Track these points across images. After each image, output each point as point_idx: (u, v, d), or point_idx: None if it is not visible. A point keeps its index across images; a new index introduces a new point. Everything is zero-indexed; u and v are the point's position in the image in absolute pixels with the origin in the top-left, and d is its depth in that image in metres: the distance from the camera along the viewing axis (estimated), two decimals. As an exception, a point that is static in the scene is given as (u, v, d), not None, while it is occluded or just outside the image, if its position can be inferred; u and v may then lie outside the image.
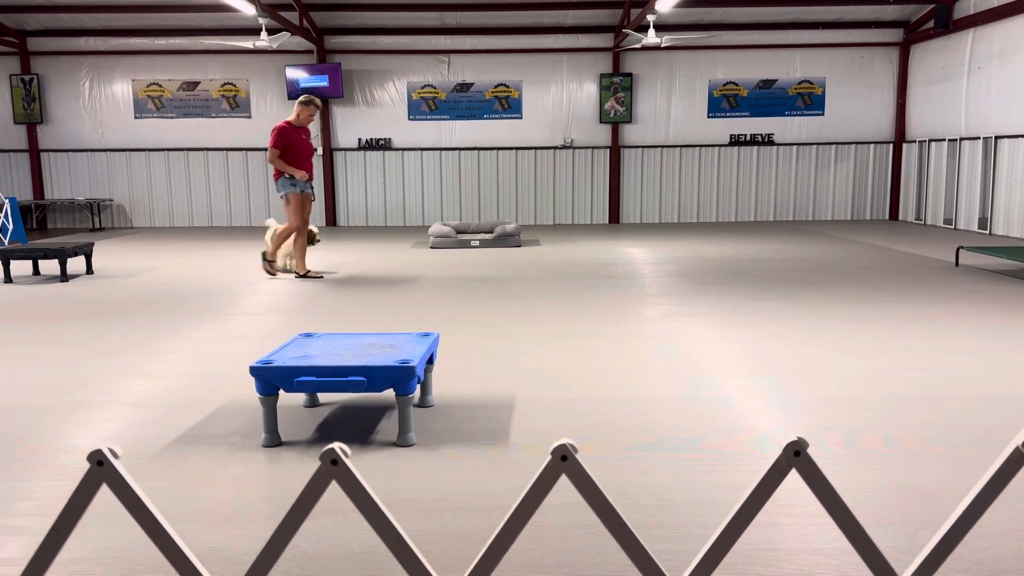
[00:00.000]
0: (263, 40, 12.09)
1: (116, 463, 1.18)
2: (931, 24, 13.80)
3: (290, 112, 15.16)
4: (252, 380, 4.41)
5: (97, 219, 15.27)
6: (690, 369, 4.71)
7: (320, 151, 15.21)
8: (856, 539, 1.12)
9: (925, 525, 2.71)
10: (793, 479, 3.04)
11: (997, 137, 12.29)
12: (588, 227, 14.74)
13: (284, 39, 12.22)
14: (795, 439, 1.08)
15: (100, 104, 15.27)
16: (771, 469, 1.08)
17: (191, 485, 3.10)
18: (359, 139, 15.30)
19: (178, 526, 2.76)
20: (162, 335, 5.78)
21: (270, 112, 15.28)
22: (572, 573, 2.41)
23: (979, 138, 12.73)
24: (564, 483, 3.01)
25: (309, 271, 8.63)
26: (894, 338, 5.44)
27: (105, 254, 11.04)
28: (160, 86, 15.21)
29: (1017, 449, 1.11)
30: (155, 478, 3.17)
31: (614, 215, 15.40)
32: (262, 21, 12.20)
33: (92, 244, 8.92)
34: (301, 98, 8.40)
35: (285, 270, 8.90)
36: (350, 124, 15.30)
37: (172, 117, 15.30)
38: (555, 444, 1.15)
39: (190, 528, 2.74)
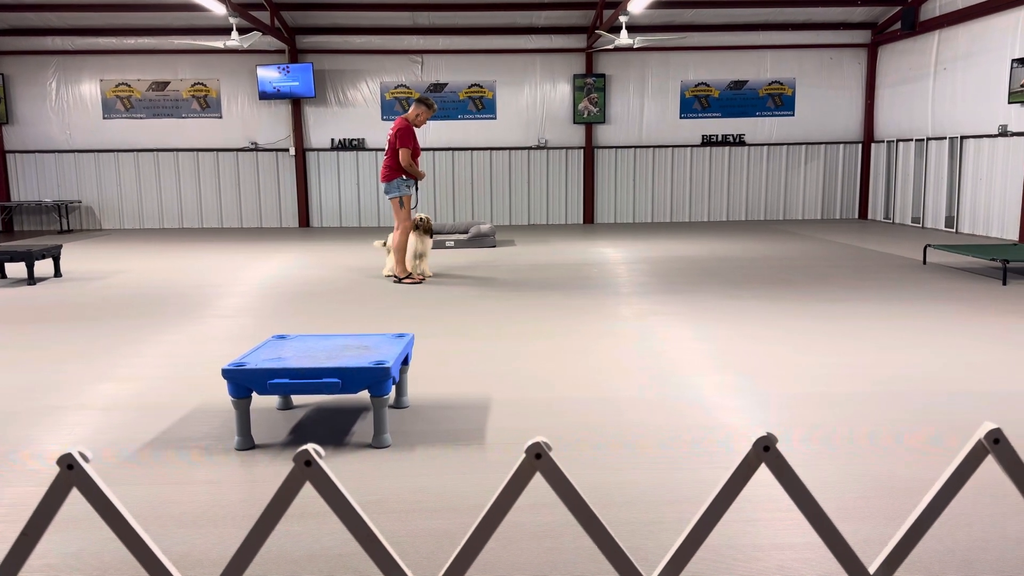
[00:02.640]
0: (234, 40, 11.98)
1: (86, 467, 1.17)
2: (898, 26, 14.02)
3: (260, 113, 15.11)
4: (224, 383, 4.37)
5: (65, 221, 15.04)
6: (664, 368, 4.74)
7: (292, 152, 15.11)
8: (824, 532, 1.14)
9: (893, 517, 2.76)
10: (767, 475, 3.07)
11: (963, 137, 12.51)
12: (563, 227, 14.78)
13: (255, 39, 12.12)
14: (764, 434, 1.09)
15: (68, 104, 15.04)
16: (741, 464, 1.10)
17: (163, 489, 3.07)
18: (332, 139, 15.21)
19: (150, 530, 2.73)
20: (133, 338, 5.71)
21: (241, 112, 15.15)
22: (548, 572, 2.42)
23: (945, 138, 12.96)
24: (540, 483, 3.03)
25: (410, 274, 8.26)
26: (863, 335, 5.52)
27: (74, 257, 10.87)
28: (129, 86, 15.01)
29: (980, 442, 1.13)
30: (126, 482, 3.13)
31: (588, 215, 15.46)
32: (233, 21, 12.09)
33: (60, 246, 8.78)
34: (422, 99, 8.06)
35: (415, 274, 8.39)
36: (323, 124, 15.21)
37: (141, 117, 15.11)
38: (529, 442, 1.16)
39: (162, 532, 2.71)
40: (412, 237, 8.27)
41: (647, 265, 9.31)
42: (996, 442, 1.13)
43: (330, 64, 15.06)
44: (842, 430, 3.62)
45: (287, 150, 15.21)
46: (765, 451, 1.10)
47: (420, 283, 8.09)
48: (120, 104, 15.05)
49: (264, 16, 13.96)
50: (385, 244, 8.69)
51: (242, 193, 15.32)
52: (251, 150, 15.24)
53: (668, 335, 5.60)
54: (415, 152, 8.01)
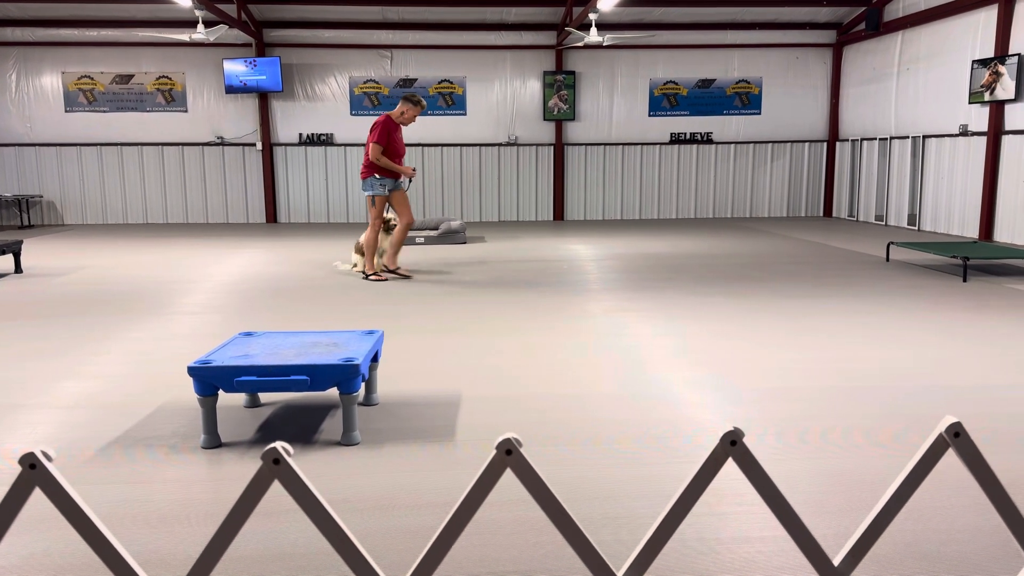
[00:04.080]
0: (199, 33, 11.81)
1: (49, 466, 1.15)
2: (863, 26, 14.24)
3: (226, 107, 14.92)
4: (190, 380, 4.31)
5: (26, 216, 14.73)
6: (633, 364, 4.78)
7: (259, 146, 14.95)
8: (790, 525, 1.16)
9: (859, 511, 2.80)
10: (735, 469, 3.11)
11: (925, 136, 12.75)
12: (533, 224, 14.80)
13: (221, 32, 11.96)
14: (731, 429, 1.11)
15: (28, 97, 14.72)
16: (708, 459, 1.11)
17: (128, 488, 3.02)
18: (300, 134, 15.08)
19: (115, 530, 2.69)
20: (97, 335, 5.62)
21: (207, 106, 14.95)
22: (519, 569, 2.43)
23: (908, 137, 13.19)
24: (512, 480, 3.03)
25: (399, 268, 8.25)
26: (829, 331, 5.60)
27: (35, 252, 10.65)
28: (92, 79, 14.74)
29: (941, 435, 1.16)
30: (91, 481, 3.08)
31: (558, 212, 15.50)
32: (198, 13, 11.92)
33: (21, 242, 8.60)
34: (409, 96, 7.86)
35: (386, 270, 8.35)
36: (290, 119, 15.07)
37: (105, 111, 14.84)
38: (500, 439, 1.16)
39: (128, 532, 2.67)
40: (397, 234, 8.16)
41: (616, 262, 9.36)
42: (956, 436, 1.16)
43: (298, 58, 14.91)
44: (809, 425, 3.68)
45: (254, 145, 15.05)
46: (732, 445, 1.11)
47: (385, 281, 8.00)
48: (83, 97, 14.77)
49: (231, 9, 13.78)
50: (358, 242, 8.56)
51: (208, 188, 15.13)
52: (217, 144, 15.04)
53: (637, 331, 5.64)
54: (398, 150, 7.87)
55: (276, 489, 2.95)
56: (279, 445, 1.11)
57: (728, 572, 2.39)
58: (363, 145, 15.12)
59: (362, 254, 8.38)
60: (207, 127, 15.03)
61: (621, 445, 3.44)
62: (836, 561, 1.15)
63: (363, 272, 8.18)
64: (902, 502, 1.17)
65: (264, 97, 14.85)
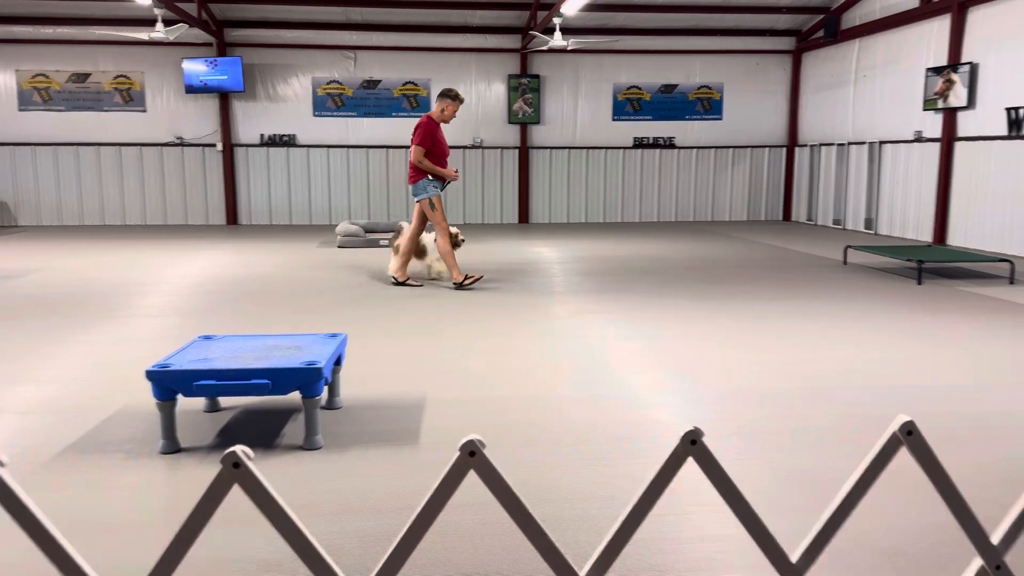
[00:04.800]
0: (158, 32, 11.62)
1: (2, 472, 1.12)
2: (821, 33, 14.50)
3: (186, 107, 14.69)
4: (149, 384, 4.24)
5: (-24, 217, 14.35)
6: (597, 366, 4.80)
7: (220, 147, 14.75)
8: (749, 523, 1.18)
9: (818, 509, 2.85)
10: (697, 470, 3.14)
11: (881, 142, 13.02)
12: (498, 227, 14.81)
13: (181, 31, 11.79)
14: (691, 428, 1.12)
15: (-21, 95, 14.35)
16: (669, 458, 1.13)
17: (84, 494, 2.96)
18: (261, 135, 14.91)
19: (70, 537, 2.63)
20: (52, 339, 5.49)
21: (166, 106, 14.71)
22: (482, 572, 2.43)
23: (865, 143, 13.46)
24: (476, 483, 3.03)
25: (468, 276, 7.71)
26: (788, 333, 5.69)
27: (-15, 254, 10.38)
28: (47, 77, 14.41)
29: (895, 434, 1.18)
30: (45, 488, 3.01)
31: (523, 215, 15.53)
32: (158, 12, 11.73)
33: (-29, 243, 8.37)
34: (447, 91, 7.47)
35: (431, 277, 8.08)
36: (252, 119, 14.89)
37: (61, 110, 14.52)
38: (463, 440, 1.16)
39: (83, 539, 2.62)
40: (443, 244, 7.65)
41: (581, 265, 9.40)
42: (909, 434, 1.18)
43: (260, 58, 14.75)
44: (769, 425, 3.73)
45: (214, 145, 14.84)
46: (692, 445, 1.13)
47: (479, 279, 7.70)
48: (37, 96, 14.44)
49: (191, 8, 13.59)
50: (396, 246, 8.04)
51: (167, 189, 14.89)
52: (176, 145, 14.81)
53: (601, 334, 5.67)
54: (444, 151, 7.52)
55: (238, 495, 2.91)
56: (239, 449, 1.10)
57: (690, 571, 2.41)
58: (325, 147, 15.01)
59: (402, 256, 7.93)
60: (166, 127, 14.79)
61: (585, 446, 3.46)
62: (794, 558, 1.17)
63: (456, 283, 7.60)
64: (857, 499, 1.20)
65: (225, 97, 14.66)
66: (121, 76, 14.58)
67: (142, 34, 12.27)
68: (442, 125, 7.65)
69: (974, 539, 1.25)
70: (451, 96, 7.47)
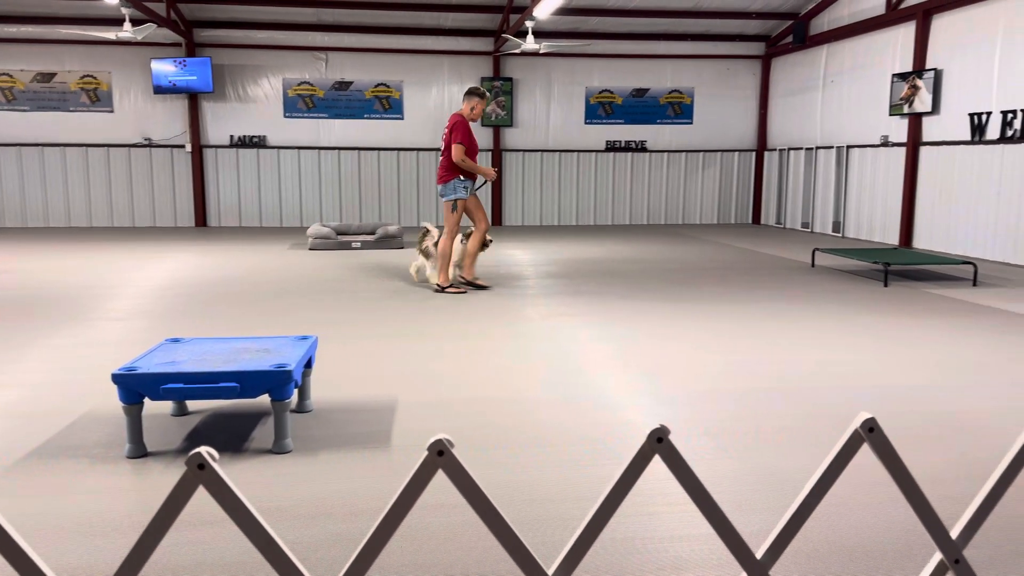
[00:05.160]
0: (126, 31, 11.46)
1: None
2: (790, 39, 14.69)
3: (154, 107, 14.51)
4: (115, 388, 4.18)
5: (-63, 219, 14.05)
6: (570, 368, 4.82)
7: (188, 148, 14.59)
8: (714, 519, 1.19)
9: (786, 508, 2.88)
10: (667, 470, 3.16)
11: (849, 147, 13.22)
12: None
13: (149, 31, 11.64)
14: (658, 426, 1.13)
15: (-60, 94, 14.06)
16: (636, 456, 1.13)
17: (48, 499, 2.91)
18: (231, 136, 14.76)
19: (34, 543, 2.58)
20: (15, 342, 5.39)
21: (134, 107, 14.52)
22: (454, 573, 2.42)
23: (833, 147, 13.66)
24: (447, 485, 3.03)
25: (477, 279, 7.74)
26: (758, 334, 5.75)
27: (-53, 256, 10.17)
28: (11, 76, 14.16)
29: (856, 431, 1.20)
30: (8, 493, 2.96)
31: (496, 217, 15.53)
32: (125, 11, 11.58)
33: (-69, 245, 8.19)
34: (474, 90, 7.40)
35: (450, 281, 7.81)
36: (221, 120, 14.75)
37: (25, 110, 14.27)
38: (431, 439, 1.16)
39: (47, 545, 2.57)
40: (456, 244, 7.68)
41: (554, 267, 9.43)
42: (871, 431, 1.20)
43: (229, 59, 14.62)
44: (739, 425, 3.77)
45: (183, 146, 14.68)
46: (659, 442, 1.13)
47: (463, 293, 7.50)
48: (1, 95, 14.18)
49: (160, 8, 13.42)
50: (424, 249, 7.90)
51: (134, 191, 14.69)
52: (144, 146, 14.62)
53: (574, 336, 5.69)
54: (472, 149, 7.39)
55: (204, 498, 2.88)
56: (203, 450, 1.09)
57: (659, 570, 2.43)
58: (296, 148, 14.90)
59: (427, 257, 7.84)
60: (134, 128, 14.60)
61: (557, 448, 3.46)
62: (759, 554, 1.19)
63: (437, 285, 7.57)
64: (821, 495, 1.22)
65: (194, 98, 14.50)
66: (88, 76, 14.36)
67: (109, 34, 12.10)
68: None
69: (934, 534, 1.27)
70: (479, 94, 7.41)
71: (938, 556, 1.34)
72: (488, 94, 7.34)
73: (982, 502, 1.33)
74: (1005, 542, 2.62)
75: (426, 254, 7.88)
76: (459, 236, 7.89)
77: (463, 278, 7.79)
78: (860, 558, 2.51)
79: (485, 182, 8.12)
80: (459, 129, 7.30)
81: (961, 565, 1.33)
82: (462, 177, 7.40)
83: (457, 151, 7.25)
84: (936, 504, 2.92)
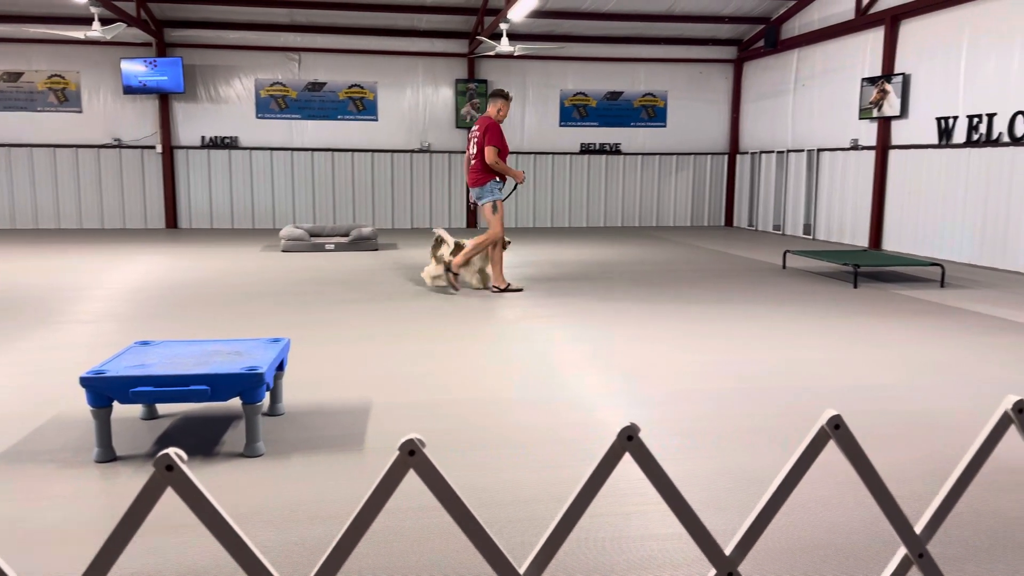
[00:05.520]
0: (95, 31, 11.31)
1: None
2: (762, 43, 14.85)
3: (124, 108, 14.32)
4: (83, 392, 4.12)
5: (-101, 220, 13.75)
6: (545, 369, 4.83)
7: (159, 149, 14.42)
8: (683, 516, 1.20)
9: (756, 506, 2.92)
10: (639, 470, 3.18)
11: (819, 150, 13.38)
12: (447, 231, 14.77)
13: (119, 30, 11.49)
14: (628, 424, 1.14)
15: (-98, 93, 13.77)
16: (607, 454, 1.14)
17: (14, 505, 2.86)
18: (203, 137, 14.62)
19: (1, 548, 2.54)
20: (-22, 346, 5.29)
21: (103, 107, 14.33)
22: (427, 575, 2.42)
23: (803, 150, 13.82)
24: (420, 488, 3.02)
25: (509, 284, 7.75)
26: (731, 335, 5.80)
27: (-91, 259, 9.95)
28: (-25, 75, 13.90)
29: (822, 428, 1.22)
30: (-30, 501, 2.90)
31: (472, 219, 15.52)
32: (94, 10, 11.42)
33: None
34: (501, 92, 7.50)
35: (483, 286, 7.88)
36: (192, 121, 14.60)
37: (-10, 109, 14.02)
38: (403, 439, 1.16)
39: (13, 551, 2.53)
40: (494, 249, 7.64)
41: (528, 269, 9.44)
42: (837, 428, 1.22)
43: (201, 59, 14.47)
44: (712, 425, 3.80)
45: (154, 147, 14.50)
46: (629, 440, 1.14)
47: (457, 290, 7.63)
48: (-35, 94, 13.92)
49: (129, 7, 13.27)
50: (439, 256, 7.81)
51: (104, 192, 14.49)
52: (114, 147, 14.43)
53: (549, 337, 5.71)
54: (504, 151, 7.46)
55: (177, 503, 2.85)
56: (172, 451, 1.08)
57: (633, 570, 2.44)
58: (269, 149, 14.79)
59: (443, 263, 7.74)
60: (103, 128, 14.40)
61: (532, 449, 3.47)
62: (727, 551, 1.20)
63: (495, 287, 7.68)
64: (788, 492, 1.23)
65: (165, 98, 14.34)
66: (56, 76, 14.15)
67: (78, 33, 11.92)
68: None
69: (898, 528, 1.30)
70: (504, 96, 7.50)
71: (903, 551, 1.36)
72: (511, 96, 7.39)
73: (944, 498, 1.36)
74: (971, 538, 2.67)
75: (439, 260, 7.82)
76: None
77: (496, 287, 7.74)
78: (829, 556, 2.54)
79: (516, 186, 8.12)
80: (492, 132, 7.37)
81: (925, 560, 1.35)
82: (497, 179, 7.50)
83: (491, 153, 7.33)
84: (903, 501, 2.97)
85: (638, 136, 15.94)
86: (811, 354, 5.25)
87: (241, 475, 3.16)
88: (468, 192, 7.65)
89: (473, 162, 7.54)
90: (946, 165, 10.55)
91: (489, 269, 7.82)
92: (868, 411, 4.04)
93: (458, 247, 7.74)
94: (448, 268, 7.58)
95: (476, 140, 7.49)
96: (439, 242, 7.89)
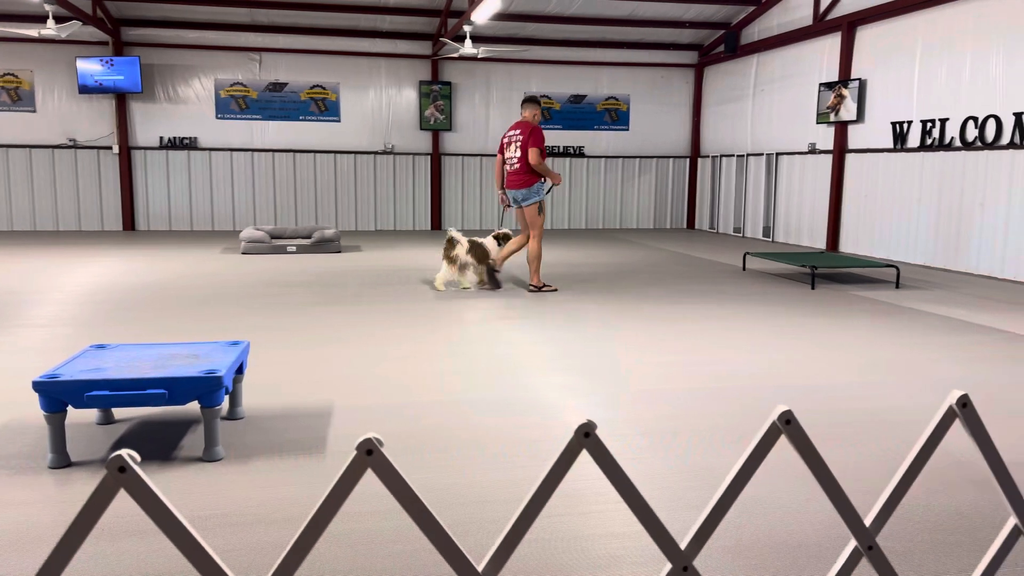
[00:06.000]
0: (50, 29, 11.07)
1: None
2: (722, 48, 15.04)
3: (80, 108, 14.04)
4: (37, 397, 4.03)
5: None
6: (508, 370, 4.84)
7: (116, 150, 14.16)
8: (639, 512, 1.22)
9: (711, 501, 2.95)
10: (599, 470, 3.21)
11: (778, 154, 13.60)
12: (410, 233, 14.73)
13: (74, 28, 11.26)
14: (585, 421, 1.15)
15: None
16: (563, 451, 1.15)
17: (-39, 515, 2.79)
18: (161, 138, 14.38)
19: (-55, 560, 2.47)
20: (-74, 351, 5.14)
21: (58, 107, 14.02)
22: None
23: (763, 154, 14.03)
24: (382, 492, 3.01)
25: (545, 284, 8.02)
26: (692, 336, 5.87)
27: None
28: (-77, 73, 13.52)
29: (774, 423, 1.25)
30: (-84, 510, 2.82)
31: (436, 221, 15.49)
32: (49, 8, 11.18)
33: None
34: (535, 97, 7.84)
35: (486, 282, 8.07)
36: (151, 121, 14.36)
37: (-62, 108, 13.64)
38: (360, 439, 1.16)
39: (-40, 562, 2.47)
40: (536, 248, 7.84)
41: (491, 271, 9.44)
42: (788, 423, 1.25)
43: (159, 58, 14.25)
44: (673, 424, 3.84)
45: (110, 148, 14.23)
46: (586, 437, 1.16)
47: (556, 291, 7.92)
48: (-88, 92, 13.53)
49: (85, 5, 13.01)
50: (453, 256, 7.83)
51: (59, 193, 14.18)
52: (69, 147, 14.13)
53: (511, 338, 5.72)
54: (544, 153, 7.71)
55: (131, 507, 2.80)
56: (124, 452, 1.07)
57: (593, 568, 2.46)
58: (229, 150, 14.60)
59: (460, 268, 7.88)
60: (58, 129, 14.10)
61: (495, 450, 3.48)
62: (683, 545, 1.22)
63: (532, 286, 7.89)
64: (742, 485, 1.26)
65: (122, 98, 14.09)
66: (8, 74, 13.82)
67: (31, 31, 11.65)
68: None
69: (848, 520, 1.33)
70: (537, 101, 7.83)
71: (853, 543, 1.39)
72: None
73: (893, 490, 1.39)
74: (922, 532, 2.73)
75: (452, 260, 7.87)
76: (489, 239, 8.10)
77: (533, 285, 7.94)
78: (784, 550, 2.59)
79: (552, 186, 8.29)
80: (536, 134, 7.58)
81: (875, 552, 1.39)
82: (542, 180, 7.72)
83: (535, 154, 7.53)
84: (857, 497, 3.03)
85: (601, 139, 16.05)
86: (769, 354, 5.33)
87: (200, 480, 3.12)
88: (504, 195, 7.95)
89: (517, 165, 7.69)
90: (901, 168, 10.80)
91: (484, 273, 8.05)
92: (824, 409, 4.12)
93: (474, 244, 7.89)
94: (492, 268, 7.90)
95: (519, 143, 7.65)
96: (452, 243, 7.89)
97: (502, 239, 8.02)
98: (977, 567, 1.94)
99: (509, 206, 7.97)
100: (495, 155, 15.62)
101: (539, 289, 7.89)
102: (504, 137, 7.86)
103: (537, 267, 7.85)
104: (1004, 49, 9.15)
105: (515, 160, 7.69)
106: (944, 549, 2.61)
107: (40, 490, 3.00)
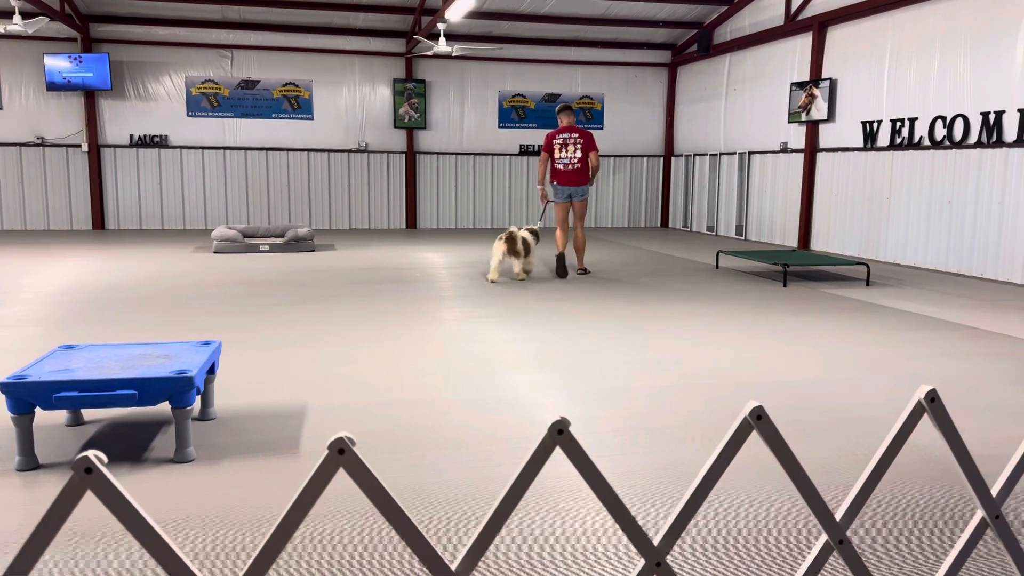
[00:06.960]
0: (16, 24, 10.87)
1: None
2: (695, 48, 15.14)
3: (48, 105, 13.81)
4: (3, 398, 3.95)
5: None
6: (483, 369, 4.83)
7: (85, 148, 13.95)
8: (611, 507, 1.22)
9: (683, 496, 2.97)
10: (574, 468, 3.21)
11: (750, 153, 13.72)
12: (385, 232, 14.66)
13: (42, 24, 11.07)
14: (558, 419, 1.15)
15: None
16: (537, 448, 1.15)
17: (-75, 519, 2.73)
18: (131, 135, 14.19)
19: (-93, 566, 2.42)
20: None
21: (25, 104, 13.78)
22: None
23: (735, 153, 14.15)
24: (356, 492, 2.99)
25: (587, 268, 9.25)
26: (665, 333, 5.91)
27: None
28: None
29: (746, 419, 1.26)
30: None
31: (411, 220, 15.44)
32: (15, 4, 10.99)
33: None
34: (568, 105, 9.10)
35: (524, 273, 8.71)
36: (120, 119, 14.16)
37: (-100, 105, 13.35)
38: (332, 438, 1.15)
39: (-77, 567, 2.41)
40: (582, 235, 9.07)
41: (468, 269, 9.44)
42: (759, 418, 1.26)
43: (129, 55, 14.05)
44: (648, 422, 3.86)
45: (79, 146, 14.02)
46: (559, 434, 1.16)
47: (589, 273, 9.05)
48: None
49: (53, 1, 12.79)
50: (510, 250, 8.42)
51: (27, 192, 13.94)
52: (37, 145, 13.90)
53: (487, 337, 5.71)
54: None
55: (101, 509, 2.76)
56: (91, 453, 1.05)
57: (569, 565, 2.47)
58: (200, 148, 14.44)
59: (516, 255, 8.46)
60: (25, 126, 13.85)
61: (470, 449, 3.47)
62: (656, 541, 1.22)
63: (580, 269, 9.08)
64: (714, 480, 1.26)
65: (91, 95, 13.88)
66: (-28, 70, 13.55)
67: (-4, 26, 11.43)
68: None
69: (818, 514, 1.34)
70: (572, 108, 8.90)
71: (824, 538, 1.41)
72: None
73: (863, 484, 1.41)
74: (893, 526, 2.77)
75: (516, 253, 8.50)
76: (524, 232, 8.76)
77: (582, 269, 9.14)
78: (756, 545, 2.61)
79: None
80: (593, 138, 8.78)
81: (845, 546, 1.40)
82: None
83: (596, 158, 8.78)
84: (828, 492, 3.06)
85: (576, 138, 16.07)
86: (742, 351, 5.38)
87: (171, 481, 3.08)
88: (555, 191, 8.85)
89: (578, 164, 8.78)
90: (871, 167, 10.94)
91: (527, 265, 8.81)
92: (796, 406, 4.16)
93: (524, 240, 8.58)
94: (586, 271, 9.09)
95: (579, 145, 8.72)
96: (512, 238, 8.43)
97: (534, 234, 8.91)
98: (946, 559, 1.97)
99: (549, 201, 8.95)
100: (470, 154, 15.59)
101: (586, 271, 9.09)
102: (554, 138, 8.79)
103: (582, 254, 9.07)
104: (972, 50, 9.30)
105: (576, 160, 8.77)
106: (914, 542, 2.65)
107: (7, 493, 2.95)
